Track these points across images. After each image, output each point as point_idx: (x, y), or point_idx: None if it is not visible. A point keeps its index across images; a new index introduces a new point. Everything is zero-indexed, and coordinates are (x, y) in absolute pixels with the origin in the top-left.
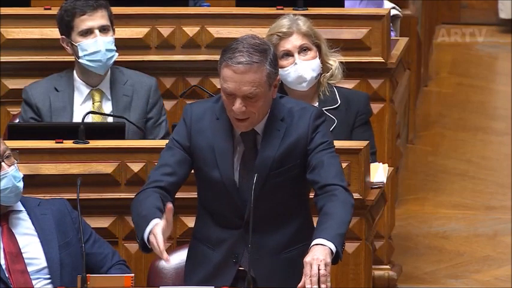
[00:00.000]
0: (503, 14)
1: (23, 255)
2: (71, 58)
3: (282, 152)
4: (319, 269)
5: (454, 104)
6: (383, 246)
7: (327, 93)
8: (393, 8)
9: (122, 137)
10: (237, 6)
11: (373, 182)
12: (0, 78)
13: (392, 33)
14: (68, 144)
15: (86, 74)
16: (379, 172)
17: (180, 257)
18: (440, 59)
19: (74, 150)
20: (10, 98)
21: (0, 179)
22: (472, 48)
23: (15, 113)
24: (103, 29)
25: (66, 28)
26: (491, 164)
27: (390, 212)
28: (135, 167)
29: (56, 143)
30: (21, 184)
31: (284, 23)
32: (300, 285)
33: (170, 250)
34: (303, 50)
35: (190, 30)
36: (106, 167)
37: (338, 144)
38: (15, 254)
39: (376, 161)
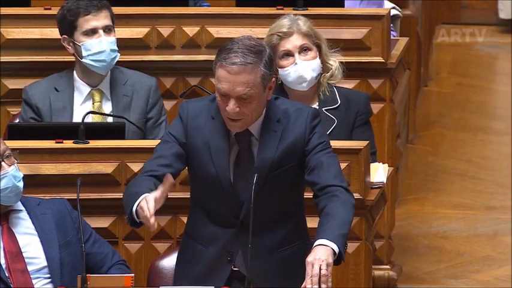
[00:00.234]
0: (503, 14)
1: (23, 254)
2: (71, 58)
3: (280, 153)
4: (320, 269)
5: (454, 104)
6: (383, 246)
7: (327, 93)
8: (393, 8)
9: (122, 137)
10: (237, 6)
11: (373, 182)
12: (0, 78)
13: (393, 34)
14: (68, 144)
15: (87, 74)
16: (379, 172)
17: None
18: (440, 59)
19: (74, 150)
20: (10, 98)
21: (1, 179)
22: (472, 48)
23: (15, 113)
24: (107, 29)
25: (69, 28)
26: (491, 164)
27: (390, 212)
28: (135, 167)
29: (56, 143)
30: (21, 184)
31: (284, 23)
32: (303, 285)
33: (170, 250)
34: (303, 50)
35: (190, 30)
36: (106, 167)
37: (338, 144)
38: (15, 254)
39: (376, 161)
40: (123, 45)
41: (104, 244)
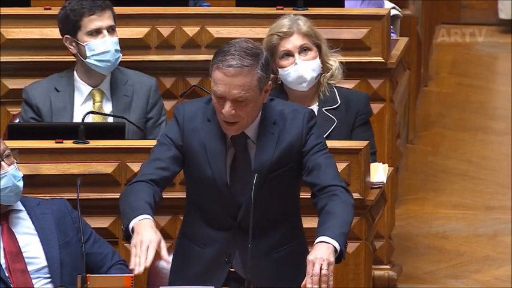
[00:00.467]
0: (503, 14)
1: (23, 254)
2: (71, 58)
3: (278, 154)
4: (321, 268)
5: (454, 104)
6: (383, 246)
7: (327, 93)
8: (393, 8)
9: (122, 137)
10: (237, 6)
11: (373, 182)
12: (0, 78)
13: (393, 35)
14: (68, 144)
15: (88, 74)
16: (379, 172)
17: None
18: (440, 59)
19: (74, 150)
20: (10, 98)
21: (0, 178)
22: (472, 48)
23: (15, 113)
24: (110, 29)
25: (73, 28)
26: (491, 164)
27: (390, 212)
28: (135, 167)
29: (56, 143)
30: (21, 183)
31: (284, 23)
32: (303, 283)
33: (170, 250)
34: (303, 50)
35: (190, 30)
36: (106, 167)
37: (338, 144)
38: (15, 254)
39: (376, 161)
40: (123, 45)
41: (104, 244)
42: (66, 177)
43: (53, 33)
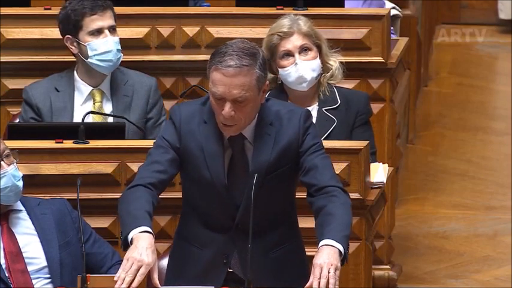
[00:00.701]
0: (503, 14)
1: (23, 254)
2: (71, 58)
3: (275, 155)
4: (328, 272)
5: (454, 104)
6: (383, 246)
7: (327, 93)
8: (393, 8)
9: (122, 137)
10: (237, 6)
11: (373, 182)
12: (0, 78)
13: (393, 35)
14: (68, 144)
15: (89, 74)
16: (379, 172)
17: None
18: (440, 59)
19: (74, 150)
20: (10, 98)
21: (0, 178)
22: (472, 48)
23: (15, 113)
24: (111, 29)
25: (74, 28)
26: (491, 164)
27: (390, 212)
28: (135, 167)
29: (56, 143)
30: (20, 183)
31: (285, 23)
32: (307, 285)
33: (167, 252)
34: (303, 50)
35: (190, 30)
36: (106, 167)
37: (338, 144)
38: (15, 254)
39: (376, 161)
40: (123, 45)
41: (104, 244)
42: (66, 177)
43: (53, 33)
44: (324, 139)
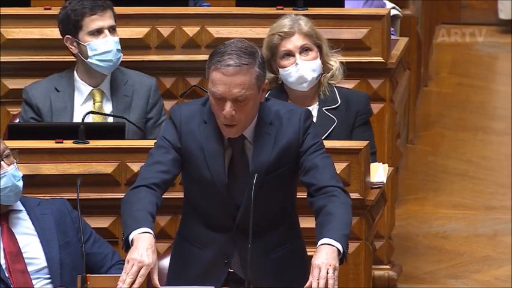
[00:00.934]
0: (503, 15)
1: (23, 254)
2: (71, 58)
3: (276, 155)
4: (327, 273)
5: (454, 104)
6: (383, 246)
7: (327, 93)
8: (393, 8)
9: (122, 137)
10: (237, 6)
11: (373, 182)
12: (0, 78)
13: (393, 35)
14: (68, 144)
15: (89, 74)
16: (379, 172)
17: None
18: (440, 59)
19: (74, 150)
20: (10, 98)
21: (0, 178)
22: (472, 48)
23: (15, 113)
24: (111, 29)
25: (74, 28)
26: (491, 164)
27: (390, 212)
28: (135, 167)
29: (56, 143)
30: (20, 183)
31: (286, 23)
32: (306, 286)
33: (170, 250)
34: (304, 50)
35: (190, 30)
36: (106, 167)
37: (338, 144)
38: (15, 254)
39: (376, 161)
40: (123, 45)
41: (104, 244)
42: (66, 177)
43: (53, 33)
44: (324, 139)
